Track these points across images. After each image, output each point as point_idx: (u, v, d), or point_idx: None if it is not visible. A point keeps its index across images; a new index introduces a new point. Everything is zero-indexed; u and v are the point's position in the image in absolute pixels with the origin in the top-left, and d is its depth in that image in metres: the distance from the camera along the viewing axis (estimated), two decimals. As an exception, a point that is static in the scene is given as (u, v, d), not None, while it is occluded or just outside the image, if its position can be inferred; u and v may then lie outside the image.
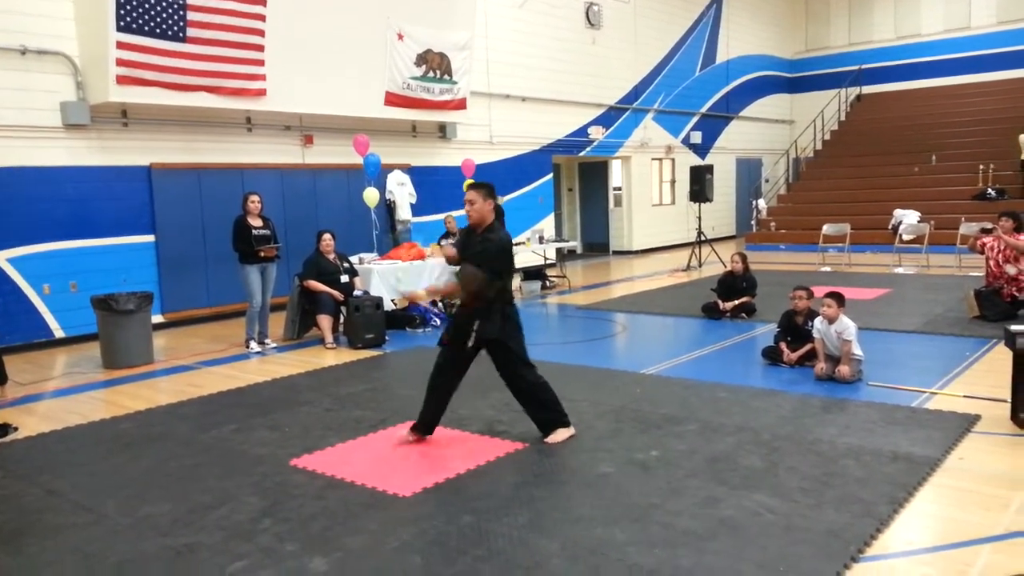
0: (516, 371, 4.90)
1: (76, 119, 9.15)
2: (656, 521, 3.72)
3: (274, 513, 4.00)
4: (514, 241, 12.17)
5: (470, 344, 4.78)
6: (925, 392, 5.80)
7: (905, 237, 14.75)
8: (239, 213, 8.48)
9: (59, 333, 9.22)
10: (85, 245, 9.42)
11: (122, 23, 8.72)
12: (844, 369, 6.09)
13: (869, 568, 3.28)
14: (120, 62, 8.82)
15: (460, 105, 13.07)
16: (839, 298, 6.27)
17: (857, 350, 6.18)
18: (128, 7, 8.73)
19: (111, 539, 3.78)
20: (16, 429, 5.71)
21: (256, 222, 8.45)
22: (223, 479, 4.53)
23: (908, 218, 15.48)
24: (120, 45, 8.77)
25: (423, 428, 4.99)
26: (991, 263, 8.63)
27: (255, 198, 8.49)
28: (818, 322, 6.40)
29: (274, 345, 8.66)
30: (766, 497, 3.95)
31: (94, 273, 9.42)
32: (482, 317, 4.75)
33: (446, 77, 12.66)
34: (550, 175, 16.13)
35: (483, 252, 4.71)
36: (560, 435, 4.95)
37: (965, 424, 5.00)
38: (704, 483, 4.17)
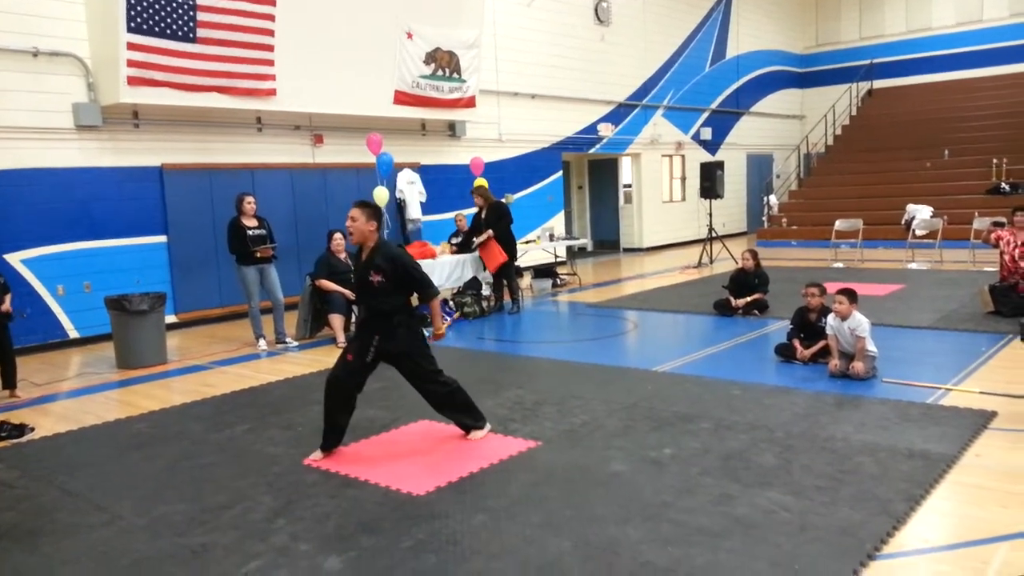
0: (426, 383, 4.95)
1: (88, 120, 9.20)
2: (669, 519, 3.71)
3: (288, 512, 4.01)
4: (524, 239, 12.10)
5: (369, 359, 4.81)
6: (940, 388, 5.76)
7: (918, 232, 14.64)
8: (233, 215, 8.51)
9: (73, 333, 9.28)
10: (98, 246, 9.48)
11: (132, 24, 8.76)
12: (858, 366, 6.05)
13: (885, 566, 3.26)
14: (131, 63, 8.86)
15: (469, 103, 13.07)
16: (851, 294, 6.23)
17: (871, 346, 6.14)
18: (138, 8, 8.77)
19: (127, 539, 3.80)
20: (32, 429, 5.76)
21: (251, 222, 8.48)
22: (237, 479, 4.55)
23: (921, 213, 15.35)
24: (131, 46, 8.81)
25: (334, 444, 4.90)
26: (1006, 257, 8.56)
27: (250, 199, 8.52)
28: (831, 319, 6.36)
29: (296, 344, 8.69)
30: (780, 495, 3.93)
31: (107, 274, 9.48)
32: (383, 333, 4.79)
33: (455, 75, 12.65)
34: (559, 173, 16.11)
35: (405, 267, 4.79)
36: (477, 435, 5.05)
37: (981, 420, 4.96)
38: (718, 481, 4.15)
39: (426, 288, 4.90)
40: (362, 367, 4.84)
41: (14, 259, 8.80)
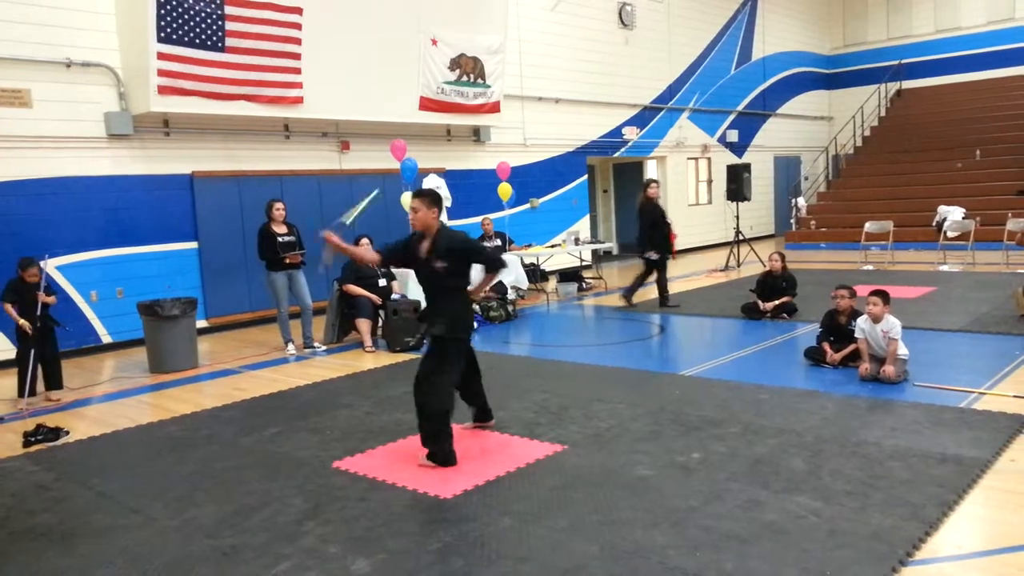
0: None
1: (119, 129, 9.36)
2: (697, 524, 3.69)
3: (317, 515, 4.05)
4: (550, 243, 12.08)
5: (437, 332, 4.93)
6: (973, 392, 5.67)
7: (950, 234, 14.43)
8: (263, 221, 8.60)
9: (107, 339, 9.44)
10: (130, 252, 9.64)
11: (162, 34, 8.91)
12: (889, 369, 5.97)
13: (917, 572, 3.21)
14: (161, 72, 9.01)
15: (494, 108, 13.11)
16: (885, 296, 6.15)
17: (902, 350, 6.06)
18: (168, 18, 8.92)
19: (159, 540, 3.86)
20: (67, 433, 5.87)
21: (280, 229, 8.56)
22: (267, 481, 4.59)
23: (953, 215, 15.14)
24: (161, 56, 8.96)
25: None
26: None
27: (280, 206, 8.60)
28: (862, 321, 6.28)
29: (324, 348, 8.76)
30: (810, 500, 3.89)
31: (140, 280, 9.63)
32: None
33: (479, 81, 12.70)
34: (584, 176, 16.09)
35: (467, 252, 4.90)
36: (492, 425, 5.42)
37: (1016, 425, 4.87)
38: (746, 486, 4.12)
39: (493, 262, 5.04)
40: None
41: (49, 266, 8.93)
